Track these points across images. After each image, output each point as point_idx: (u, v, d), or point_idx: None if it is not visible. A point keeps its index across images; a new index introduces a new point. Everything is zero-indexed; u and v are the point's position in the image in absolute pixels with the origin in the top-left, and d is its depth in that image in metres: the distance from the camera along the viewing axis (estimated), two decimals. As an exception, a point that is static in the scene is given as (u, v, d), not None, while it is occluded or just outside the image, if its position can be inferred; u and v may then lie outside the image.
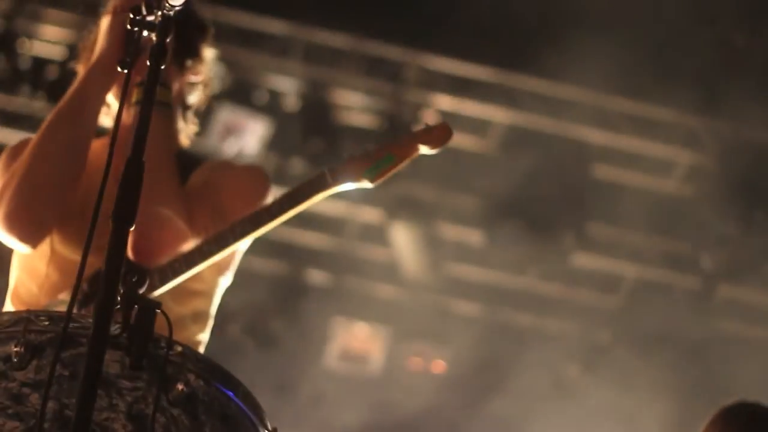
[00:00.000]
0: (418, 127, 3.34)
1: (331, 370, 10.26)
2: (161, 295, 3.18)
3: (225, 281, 3.46)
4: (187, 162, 3.43)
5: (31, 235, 3.21)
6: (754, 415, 3.80)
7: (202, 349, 3.38)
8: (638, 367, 9.97)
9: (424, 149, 3.28)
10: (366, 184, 3.25)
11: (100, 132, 3.36)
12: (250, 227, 3.17)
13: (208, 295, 3.39)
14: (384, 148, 3.26)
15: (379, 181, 3.24)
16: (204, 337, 3.40)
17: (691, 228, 9.71)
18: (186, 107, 3.51)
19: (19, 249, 3.27)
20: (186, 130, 3.53)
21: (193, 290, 3.32)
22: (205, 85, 3.54)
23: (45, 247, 3.27)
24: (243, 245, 3.35)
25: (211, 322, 3.42)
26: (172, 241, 3.16)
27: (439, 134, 3.29)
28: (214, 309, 3.43)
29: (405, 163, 3.27)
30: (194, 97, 3.52)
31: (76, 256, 3.22)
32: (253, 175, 3.49)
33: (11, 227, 3.18)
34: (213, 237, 3.16)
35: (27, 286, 3.30)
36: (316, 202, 3.25)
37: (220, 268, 3.38)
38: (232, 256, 3.40)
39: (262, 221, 3.19)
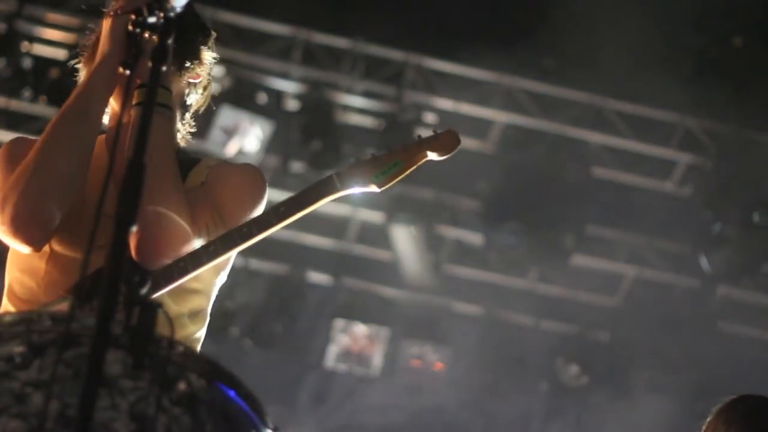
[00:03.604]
0: (426, 134, 3.37)
1: (332, 371, 10.26)
2: (160, 295, 3.19)
3: (221, 280, 3.48)
4: (184, 161, 3.45)
5: (39, 237, 3.21)
6: (757, 408, 3.81)
7: (199, 347, 3.41)
8: (638, 367, 9.97)
9: (432, 155, 3.33)
10: (373, 189, 3.30)
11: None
12: (257, 229, 3.21)
13: (206, 294, 3.41)
14: (392, 154, 3.32)
15: (387, 186, 3.29)
16: (201, 334, 3.42)
17: (690, 229, 9.72)
18: (185, 108, 3.52)
19: (24, 251, 3.27)
20: (183, 132, 3.54)
21: (191, 289, 3.33)
22: (204, 87, 3.55)
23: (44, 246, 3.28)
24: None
25: (207, 320, 3.44)
26: (174, 242, 3.17)
27: (446, 141, 3.34)
28: (210, 307, 3.45)
29: (412, 170, 3.32)
30: (193, 99, 3.53)
31: (74, 254, 3.24)
32: (251, 175, 3.51)
33: (19, 230, 3.18)
34: (220, 237, 3.18)
35: (25, 283, 3.30)
36: (322, 205, 3.28)
37: (218, 268, 3.40)
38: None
39: (269, 223, 3.22)
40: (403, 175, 3.32)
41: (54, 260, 3.26)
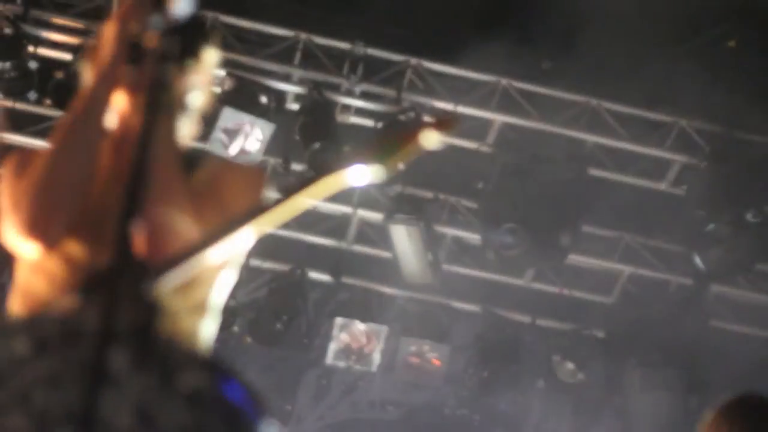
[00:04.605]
0: (425, 118, 3.38)
1: (332, 368, 10.28)
2: (162, 289, 3.21)
3: (228, 274, 3.51)
4: (188, 161, 3.50)
5: (52, 241, 3.28)
6: (759, 407, 3.83)
7: (207, 338, 3.43)
8: (632, 364, 10.00)
9: (431, 138, 3.32)
10: (375, 174, 3.29)
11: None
12: (258, 211, 3.22)
13: (209, 286, 3.43)
14: (390, 138, 3.31)
15: (386, 171, 3.29)
16: (206, 327, 3.46)
17: (684, 228, 9.75)
18: (188, 109, 3.57)
19: (35, 254, 3.32)
20: (188, 132, 3.59)
21: (192, 281, 3.37)
22: (207, 87, 3.59)
23: None
24: (246, 241, 3.39)
25: (214, 314, 3.47)
26: (180, 243, 3.20)
27: (444, 122, 3.34)
28: (218, 301, 3.48)
29: (412, 154, 3.31)
30: (196, 99, 3.57)
31: (83, 254, 3.31)
32: (254, 175, 3.56)
33: (32, 234, 3.25)
34: (222, 224, 3.20)
35: (36, 285, 3.36)
36: (322, 193, 3.28)
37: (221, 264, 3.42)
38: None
39: (270, 204, 3.24)
40: (402, 160, 3.30)
41: (63, 259, 3.32)
